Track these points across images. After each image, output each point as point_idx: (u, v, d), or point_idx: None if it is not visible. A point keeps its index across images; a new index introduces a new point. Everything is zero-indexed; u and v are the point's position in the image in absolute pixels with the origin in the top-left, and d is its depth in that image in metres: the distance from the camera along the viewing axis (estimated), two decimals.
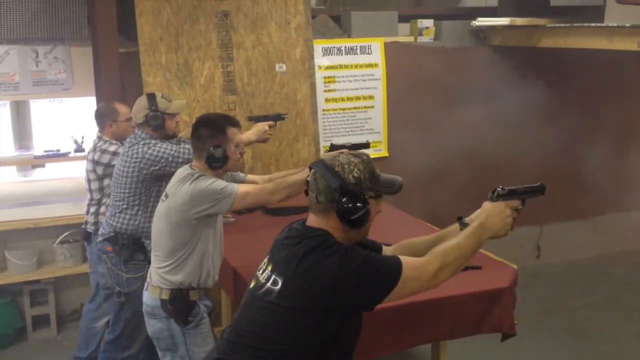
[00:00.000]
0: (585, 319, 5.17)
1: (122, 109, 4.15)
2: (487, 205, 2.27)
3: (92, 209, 4.17)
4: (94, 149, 4.12)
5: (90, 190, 4.18)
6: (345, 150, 2.30)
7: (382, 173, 2.22)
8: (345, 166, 2.10)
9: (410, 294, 2.12)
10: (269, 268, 2.16)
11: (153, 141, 3.54)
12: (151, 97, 3.63)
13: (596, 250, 6.50)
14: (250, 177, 3.58)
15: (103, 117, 4.17)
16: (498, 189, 2.31)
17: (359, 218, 2.08)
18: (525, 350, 4.50)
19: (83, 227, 4.28)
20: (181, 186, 2.92)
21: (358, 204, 2.07)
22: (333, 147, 3.24)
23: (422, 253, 2.22)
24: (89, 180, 4.17)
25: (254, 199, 3.03)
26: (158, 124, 3.57)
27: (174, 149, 3.50)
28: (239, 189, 2.95)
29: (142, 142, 3.53)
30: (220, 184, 2.94)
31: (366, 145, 3.46)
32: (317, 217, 2.15)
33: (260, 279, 2.16)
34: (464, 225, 2.33)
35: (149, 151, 3.48)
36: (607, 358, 4.60)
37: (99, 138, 4.17)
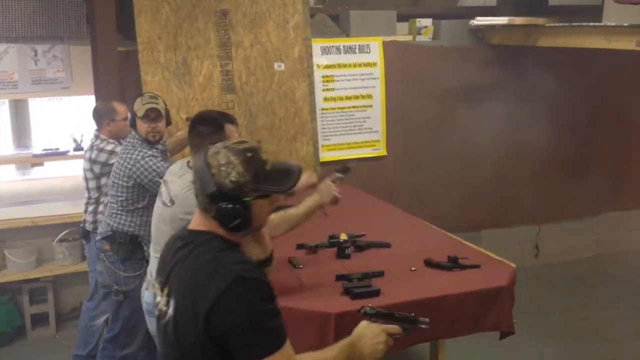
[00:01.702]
0: (583, 319, 5.18)
1: (119, 107, 4.16)
2: (363, 323, 2.08)
3: (90, 208, 4.18)
4: (91, 148, 4.12)
5: (88, 189, 4.18)
6: (231, 144, 1.97)
7: (282, 162, 2.02)
8: (223, 168, 1.88)
9: None
10: (165, 290, 1.97)
11: (148, 152, 3.57)
12: (138, 97, 3.70)
13: (594, 250, 6.52)
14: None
15: (101, 116, 4.18)
16: (367, 307, 2.14)
17: (237, 225, 1.89)
18: (523, 349, 4.51)
19: (81, 225, 4.29)
20: (189, 193, 2.89)
21: (236, 211, 1.88)
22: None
23: None
24: (86, 179, 4.18)
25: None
26: (131, 124, 3.65)
27: (161, 168, 3.49)
28: None
29: (137, 150, 3.57)
30: None
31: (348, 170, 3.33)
32: (201, 214, 1.96)
33: (161, 306, 1.98)
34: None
35: (142, 162, 3.52)
36: (604, 358, 4.61)
37: (96, 137, 4.17)
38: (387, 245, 3.55)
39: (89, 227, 4.17)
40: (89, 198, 4.20)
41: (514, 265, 3.26)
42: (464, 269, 3.19)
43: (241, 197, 1.89)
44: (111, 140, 4.11)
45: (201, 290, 1.82)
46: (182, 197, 2.90)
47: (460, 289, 2.98)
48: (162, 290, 1.98)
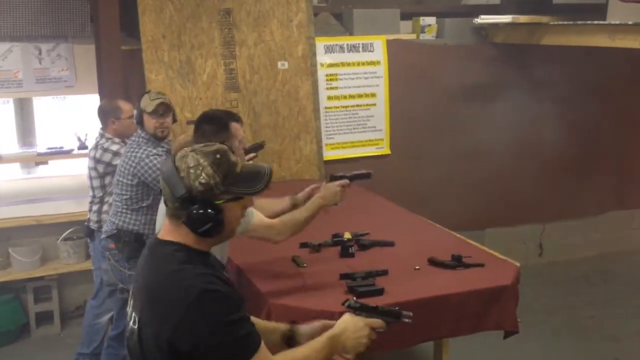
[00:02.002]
0: (587, 318, 5.17)
1: (124, 106, 4.16)
2: (346, 317, 2.06)
3: (95, 207, 4.19)
4: (96, 147, 4.13)
5: (92, 188, 4.20)
6: (199, 146, 1.91)
7: (252, 164, 1.97)
8: (192, 171, 1.80)
9: None
10: (131, 303, 1.93)
11: (153, 150, 3.58)
12: (144, 94, 3.71)
13: (598, 249, 6.50)
14: (259, 202, 3.46)
15: (106, 114, 4.18)
16: (351, 300, 2.14)
17: (209, 229, 1.81)
18: (527, 348, 4.50)
19: (86, 224, 4.30)
20: None
21: (207, 214, 1.80)
22: (332, 179, 3.17)
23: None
24: (90, 178, 4.19)
25: (260, 235, 2.93)
26: (138, 121, 3.66)
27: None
28: (254, 220, 2.87)
29: (142, 148, 3.58)
30: None
31: (367, 175, 3.35)
32: (170, 223, 1.89)
33: (128, 319, 1.94)
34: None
35: (146, 160, 3.54)
36: (608, 356, 4.60)
37: (101, 135, 4.18)
38: (390, 244, 3.55)
39: (93, 225, 4.19)
40: (94, 197, 4.21)
41: (518, 264, 3.26)
42: (467, 268, 3.19)
43: (212, 201, 1.82)
44: (116, 140, 4.12)
45: (163, 308, 1.78)
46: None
47: (464, 288, 2.98)
48: (132, 305, 1.92)
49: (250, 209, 2.75)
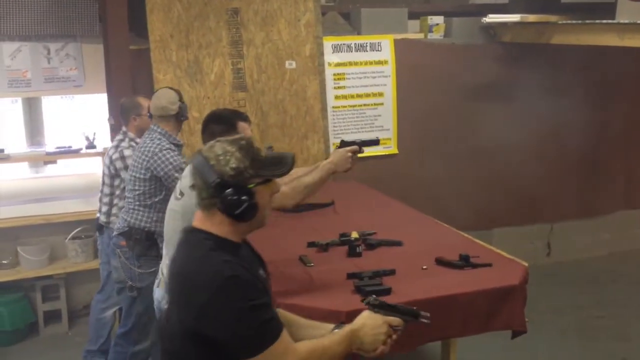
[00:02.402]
0: (595, 318, 5.15)
1: (145, 102, 4.16)
2: (365, 313, 2.10)
3: (106, 199, 4.20)
4: (116, 147, 4.14)
5: (104, 184, 4.21)
6: (223, 138, 2.04)
7: (274, 152, 2.09)
8: (221, 158, 1.91)
9: None
10: (167, 285, 2.04)
11: (166, 145, 3.59)
12: (177, 90, 3.75)
13: (607, 248, 6.48)
14: None
15: (127, 111, 4.20)
16: (371, 297, 2.16)
17: (244, 211, 1.90)
18: (535, 348, 4.49)
19: (97, 217, 4.32)
20: None
21: (241, 197, 1.90)
22: (343, 144, 3.23)
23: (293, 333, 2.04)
24: (103, 174, 4.22)
25: (274, 205, 3.00)
26: (186, 113, 3.72)
27: (177, 161, 3.56)
28: None
29: (155, 143, 3.59)
30: None
31: (376, 142, 3.46)
32: (202, 213, 1.98)
33: (164, 302, 2.05)
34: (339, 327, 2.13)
35: (159, 154, 3.56)
36: (617, 356, 4.58)
37: (124, 134, 4.19)
38: (398, 244, 3.54)
39: (102, 220, 4.19)
40: (105, 192, 4.22)
41: (526, 264, 3.24)
42: (475, 268, 3.18)
43: (244, 185, 1.91)
44: (134, 144, 4.11)
45: (189, 292, 1.86)
46: (190, 190, 2.93)
47: (472, 288, 2.97)
48: (166, 287, 2.02)
49: None
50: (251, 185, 1.92)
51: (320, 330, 2.16)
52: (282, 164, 2.00)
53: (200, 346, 1.84)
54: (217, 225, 1.95)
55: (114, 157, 4.11)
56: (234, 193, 1.89)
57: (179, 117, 3.70)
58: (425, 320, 2.17)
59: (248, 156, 1.93)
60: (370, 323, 2.06)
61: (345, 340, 2.02)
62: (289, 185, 3.05)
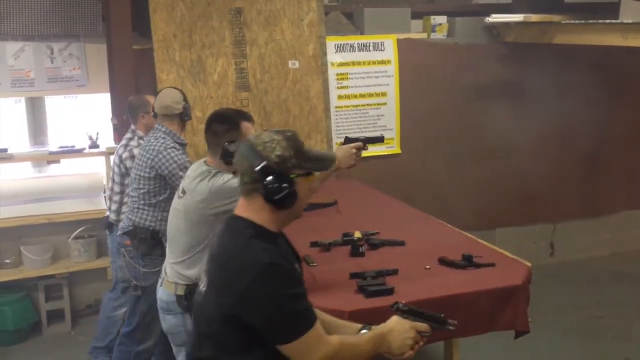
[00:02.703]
0: (598, 317, 5.15)
1: (153, 100, 4.16)
2: (394, 318, 2.14)
3: (116, 198, 4.19)
4: (125, 147, 4.14)
5: (114, 182, 4.21)
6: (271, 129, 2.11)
7: (315, 149, 2.13)
8: (268, 145, 1.98)
9: (291, 357, 1.96)
10: (205, 269, 2.10)
11: (171, 143, 3.59)
12: (180, 90, 3.75)
13: (610, 249, 6.48)
14: None
15: (135, 109, 4.21)
16: (399, 303, 2.21)
17: (283, 198, 1.96)
18: (537, 348, 4.49)
19: (106, 215, 4.32)
20: (199, 183, 2.94)
21: (282, 184, 1.96)
22: (348, 140, 3.24)
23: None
24: (113, 173, 4.21)
25: None
26: (190, 113, 3.72)
27: (181, 160, 3.56)
28: None
29: (160, 142, 3.60)
30: (237, 180, 2.95)
31: (380, 139, 3.46)
32: (244, 200, 2.05)
33: (201, 285, 2.08)
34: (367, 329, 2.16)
35: (164, 153, 3.55)
36: (619, 357, 4.57)
37: (133, 132, 4.19)
38: (401, 244, 3.55)
39: (112, 218, 4.19)
40: (114, 190, 4.21)
41: (529, 264, 3.24)
42: (478, 268, 3.18)
43: (286, 173, 1.98)
44: (143, 142, 4.11)
45: (229, 277, 1.92)
46: (192, 187, 2.96)
47: (475, 288, 2.97)
48: (205, 270, 2.07)
49: None
50: (293, 175, 1.99)
51: (347, 329, 2.20)
52: (323, 160, 2.09)
53: (238, 330, 1.91)
54: (257, 211, 2.01)
55: (123, 155, 4.11)
56: (276, 179, 1.96)
57: (183, 116, 3.71)
58: (452, 328, 2.22)
59: (293, 146, 2.01)
60: (398, 328, 2.10)
61: (374, 341, 2.07)
62: None
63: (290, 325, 1.90)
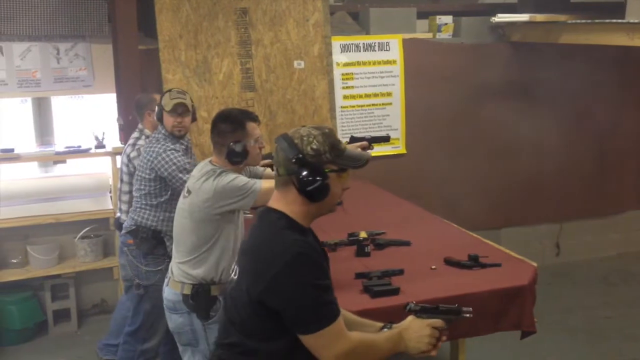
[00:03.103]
0: (605, 318, 5.13)
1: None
2: (409, 317, 2.18)
3: (125, 197, 4.17)
4: (133, 146, 4.12)
5: (122, 181, 4.19)
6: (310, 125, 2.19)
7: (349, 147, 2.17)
8: (305, 138, 2.05)
9: (310, 348, 1.99)
10: (237, 258, 2.18)
11: (171, 146, 3.59)
12: (166, 92, 3.73)
13: (616, 249, 6.46)
14: (269, 172, 3.60)
15: (142, 107, 4.21)
16: (411, 304, 2.23)
17: (316, 190, 2.02)
18: (544, 348, 4.48)
19: (117, 216, 4.32)
20: (204, 182, 2.95)
21: (316, 176, 2.02)
22: (353, 140, 3.24)
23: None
24: (122, 172, 4.19)
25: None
26: (158, 118, 3.69)
27: (180, 162, 3.54)
28: (261, 185, 2.97)
29: (160, 143, 3.60)
30: (242, 179, 2.96)
31: (386, 139, 3.46)
32: (278, 192, 2.11)
33: (233, 274, 2.18)
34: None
35: (163, 155, 3.55)
36: (627, 357, 4.56)
37: (140, 132, 4.19)
38: (406, 244, 3.55)
39: (123, 218, 4.15)
40: (124, 190, 4.20)
41: (535, 264, 3.24)
42: (484, 268, 3.18)
43: (321, 167, 2.03)
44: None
45: (260, 265, 1.98)
46: (197, 187, 2.97)
47: (481, 288, 2.97)
48: (237, 260, 2.14)
49: (257, 181, 2.97)
50: (327, 170, 2.04)
51: (369, 328, 2.23)
52: (358, 159, 2.12)
53: (264, 317, 1.97)
54: (289, 204, 2.07)
55: (131, 155, 4.10)
56: (310, 172, 2.01)
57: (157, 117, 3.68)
58: (468, 315, 2.26)
59: (328, 143, 2.06)
60: (413, 326, 2.13)
61: (392, 339, 2.10)
62: None
63: (313, 317, 1.95)
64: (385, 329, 2.18)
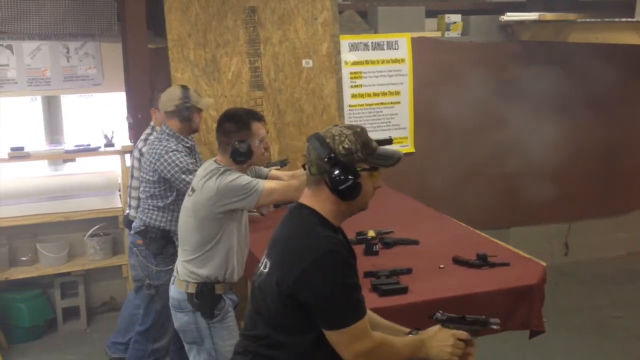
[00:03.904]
0: (613, 318, 5.12)
1: None
2: (436, 326, 2.19)
3: (135, 194, 4.14)
4: (145, 141, 4.10)
5: (133, 178, 4.18)
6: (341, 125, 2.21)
7: (384, 147, 2.18)
8: (337, 137, 2.07)
9: (333, 344, 2.02)
10: (266, 252, 2.18)
11: (173, 146, 3.58)
12: (185, 88, 3.70)
13: (625, 248, 6.44)
14: (273, 172, 3.60)
15: (151, 103, 4.22)
16: (438, 313, 2.22)
17: (348, 189, 2.04)
18: (552, 348, 4.47)
19: (126, 214, 4.30)
20: (207, 181, 2.96)
21: (348, 175, 2.03)
22: None
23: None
24: (133, 167, 4.18)
25: (280, 196, 3.07)
26: (188, 115, 3.64)
27: (183, 163, 3.53)
28: (264, 185, 2.98)
29: (163, 144, 3.59)
30: (245, 179, 2.97)
31: (389, 142, 3.43)
32: (310, 190, 2.13)
33: (261, 267, 2.18)
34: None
35: (165, 156, 3.55)
36: (635, 357, 4.55)
37: (152, 128, 4.18)
38: (415, 243, 3.55)
39: (132, 215, 4.12)
40: (134, 186, 4.17)
41: (544, 264, 3.23)
42: (493, 267, 3.18)
43: (352, 166, 2.05)
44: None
45: (291, 259, 2.01)
46: (201, 185, 2.98)
47: (489, 287, 2.97)
48: (266, 253, 2.15)
49: (260, 181, 2.99)
50: (358, 169, 2.06)
51: (396, 332, 2.24)
52: (390, 157, 2.13)
53: (293, 310, 2.00)
54: (321, 202, 2.09)
55: (143, 149, 4.04)
56: (342, 171, 2.03)
57: (179, 115, 3.63)
58: (496, 327, 2.26)
59: (360, 141, 2.08)
60: (438, 335, 2.14)
61: (413, 345, 2.12)
62: (297, 178, 3.10)
63: (339, 313, 1.97)
64: (412, 335, 2.19)
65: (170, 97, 3.68)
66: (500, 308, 2.95)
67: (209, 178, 2.97)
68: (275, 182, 3.16)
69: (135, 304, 4.39)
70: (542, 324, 3.05)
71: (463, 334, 2.15)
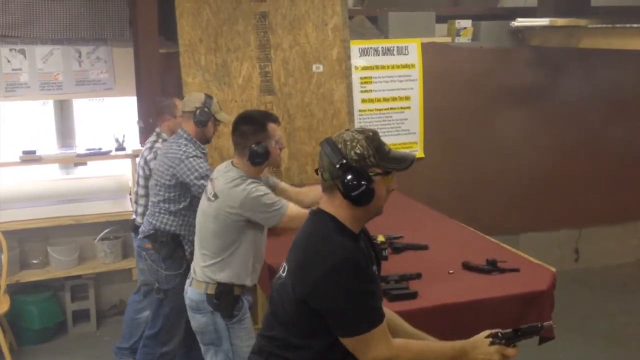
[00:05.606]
0: (623, 324, 5.09)
1: (179, 103, 4.18)
2: (483, 337, 2.12)
3: (141, 201, 4.19)
4: (150, 149, 4.14)
5: (139, 185, 4.22)
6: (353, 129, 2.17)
7: (397, 150, 2.17)
8: (348, 143, 2.06)
9: (350, 350, 2.02)
10: (287, 256, 2.18)
11: (192, 152, 3.60)
12: (210, 97, 3.77)
13: (636, 255, 6.40)
14: (281, 184, 3.59)
15: (161, 110, 4.24)
16: (498, 333, 2.11)
17: (361, 194, 2.02)
18: (562, 354, 4.45)
19: (132, 218, 4.34)
20: (233, 188, 2.96)
21: (361, 181, 2.02)
22: None
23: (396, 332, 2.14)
24: (139, 175, 4.22)
25: (298, 225, 3.02)
26: (204, 120, 3.67)
27: (203, 169, 3.56)
28: (288, 210, 2.98)
29: (182, 150, 3.60)
30: (271, 198, 2.98)
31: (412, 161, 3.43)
32: (325, 196, 2.12)
33: (281, 270, 2.18)
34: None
35: (186, 162, 3.56)
36: None
37: (158, 135, 4.21)
38: (424, 248, 3.54)
39: (139, 221, 4.16)
40: (140, 193, 4.22)
41: (554, 269, 3.22)
42: (502, 273, 3.16)
43: (365, 171, 2.03)
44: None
45: (307, 265, 2.02)
46: (225, 192, 2.98)
47: (499, 293, 2.95)
48: (286, 257, 2.16)
49: (286, 203, 2.98)
50: (371, 174, 2.04)
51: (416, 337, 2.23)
52: (403, 161, 2.11)
53: (307, 316, 2.01)
54: (337, 207, 2.08)
55: (148, 157, 4.11)
56: (354, 177, 2.01)
57: (195, 118, 3.67)
58: (547, 323, 2.22)
59: (373, 146, 2.06)
60: (484, 349, 2.09)
61: (453, 352, 2.09)
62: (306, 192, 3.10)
63: (353, 320, 1.97)
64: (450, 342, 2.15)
65: (193, 99, 3.74)
66: (509, 314, 2.94)
67: (234, 186, 2.96)
68: (297, 209, 3.10)
69: (136, 308, 4.41)
70: (552, 330, 3.04)
71: (512, 352, 2.10)
